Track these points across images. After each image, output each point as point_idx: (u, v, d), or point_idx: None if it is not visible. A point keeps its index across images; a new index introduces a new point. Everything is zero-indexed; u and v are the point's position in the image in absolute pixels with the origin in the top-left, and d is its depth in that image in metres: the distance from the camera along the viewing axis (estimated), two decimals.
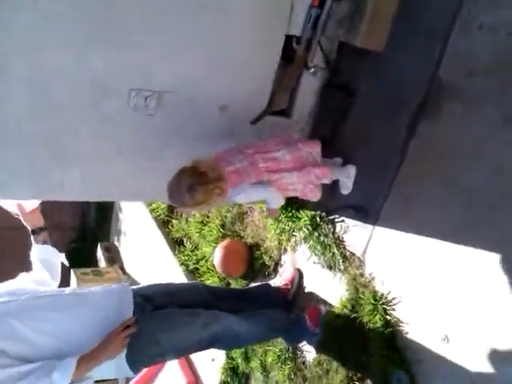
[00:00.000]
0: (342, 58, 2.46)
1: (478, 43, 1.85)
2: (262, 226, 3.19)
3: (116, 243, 5.20)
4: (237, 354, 3.20)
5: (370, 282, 2.35)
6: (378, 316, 2.25)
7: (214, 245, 3.52)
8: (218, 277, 3.48)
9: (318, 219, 2.62)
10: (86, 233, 6.29)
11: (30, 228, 2.32)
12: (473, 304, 1.92)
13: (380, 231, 2.31)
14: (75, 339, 1.91)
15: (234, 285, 3.41)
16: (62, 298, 2.05)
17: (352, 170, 2.38)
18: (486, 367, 1.85)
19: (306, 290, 2.77)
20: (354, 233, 2.46)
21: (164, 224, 4.28)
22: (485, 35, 1.82)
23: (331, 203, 2.54)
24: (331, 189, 2.53)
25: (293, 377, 2.76)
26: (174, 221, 4.16)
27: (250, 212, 3.33)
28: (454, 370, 1.95)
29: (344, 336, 2.43)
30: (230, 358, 3.27)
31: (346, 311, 2.42)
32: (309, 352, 2.72)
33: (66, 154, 2.24)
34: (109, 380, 2.96)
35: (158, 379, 3.64)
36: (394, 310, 2.22)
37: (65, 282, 2.50)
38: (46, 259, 2.27)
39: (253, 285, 2.89)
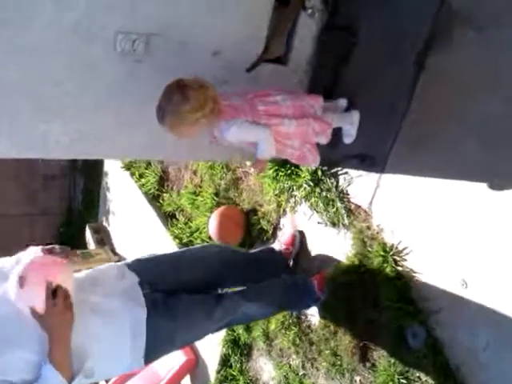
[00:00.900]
0: None
1: None
2: (258, 190, 3.04)
3: (105, 224, 5.02)
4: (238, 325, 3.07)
5: (378, 233, 2.22)
6: (388, 268, 2.13)
7: (208, 215, 3.37)
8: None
9: (319, 174, 2.48)
10: (73, 216, 6.11)
11: None
12: (490, 245, 1.80)
13: (387, 179, 2.17)
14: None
15: None
16: None
17: (355, 116, 2.25)
18: (509, 310, 1.73)
19: (309, 251, 2.64)
20: (358, 184, 2.32)
21: (154, 198, 4.12)
22: None
23: (333, 155, 2.40)
24: (332, 140, 2.40)
25: (298, 342, 2.63)
26: (164, 194, 4.01)
27: (245, 177, 3.18)
28: (474, 316, 1.84)
29: (352, 293, 2.31)
30: (230, 329, 3.13)
31: (353, 267, 2.29)
32: (313, 316, 2.59)
33: (48, 106, 2.06)
34: None
35: None
36: (405, 260, 2.10)
37: None
38: None
39: (255, 250, 2.73)
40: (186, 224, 3.68)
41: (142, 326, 1.83)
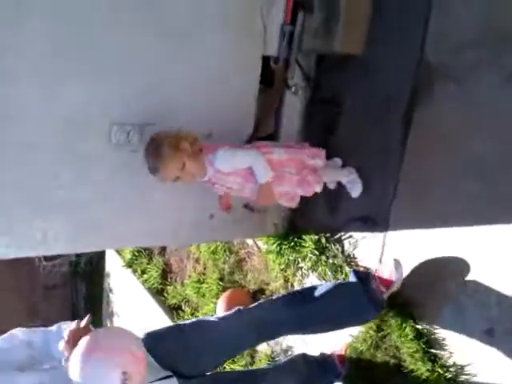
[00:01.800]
0: (322, 71, 2.44)
1: (460, 18, 1.83)
2: (263, 268, 2.99)
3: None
4: None
5: (391, 292, 2.14)
6: (408, 328, 2.03)
7: (214, 301, 3.28)
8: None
9: (323, 241, 2.45)
10: None
11: None
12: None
13: (393, 236, 2.15)
14: None
15: None
16: None
17: (351, 169, 2.28)
18: None
19: None
20: (364, 246, 2.29)
21: (159, 292, 4.02)
22: (465, 7, 1.81)
23: (334, 221, 2.40)
24: (331, 206, 2.41)
25: None
26: (168, 287, 3.92)
27: (249, 257, 3.15)
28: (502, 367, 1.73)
29: (374, 361, 2.18)
30: None
31: (371, 333, 2.19)
32: None
33: (45, 201, 2.07)
34: None
35: None
36: (423, 318, 2.01)
37: None
38: None
39: None
40: (192, 314, 3.57)
41: None
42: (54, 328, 1.70)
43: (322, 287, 2.09)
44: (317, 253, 2.47)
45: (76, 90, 1.96)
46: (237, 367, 2.85)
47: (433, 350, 1.99)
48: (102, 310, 5.08)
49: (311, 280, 2.59)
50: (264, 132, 2.50)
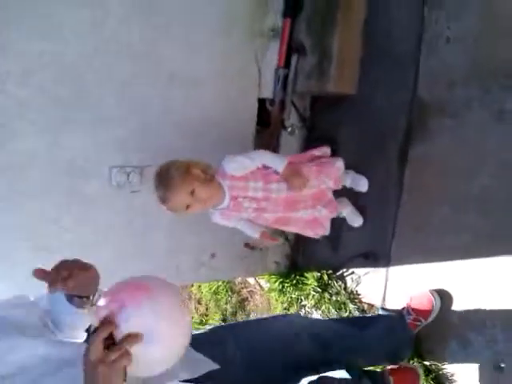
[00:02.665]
0: (317, 112, 2.50)
1: (449, 56, 1.89)
2: (266, 307, 2.96)
3: None
4: None
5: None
6: (415, 364, 2.00)
7: None
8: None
9: (325, 278, 2.45)
10: None
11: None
12: None
13: (395, 271, 2.15)
14: None
15: None
16: None
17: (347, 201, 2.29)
18: None
19: None
20: (367, 282, 2.29)
21: None
22: (454, 47, 1.87)
23: (336, 258, 2.40)
24: (332, 243, 2.41)
25: None
26: None
27: (251, 297, 3.12)
28: None
29: None
30: None
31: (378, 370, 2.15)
32: None
33: (47, 245, 2.08)
34: None
35: None
36: (431, 352, 1.99)
37: None
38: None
39: None
40: None
41: None
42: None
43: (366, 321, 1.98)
44: (319, 290, 2.46)
45: (75, 137, 2.00)
46: None
47: None
48: None
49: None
50: None
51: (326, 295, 2.44)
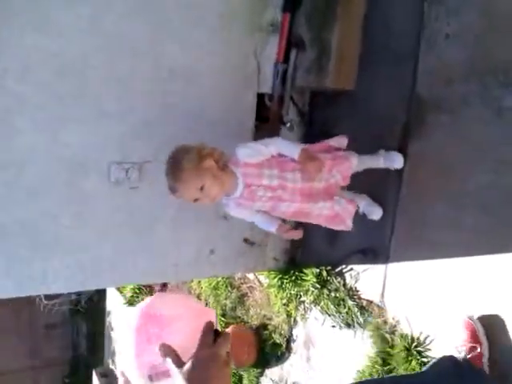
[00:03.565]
0: (315, 107, 2.49)
1: (448, 53, 1.88)
2: (265, 303, 2.97)
3: (112, 366, 4.77)
4: None
5: (395, 326, 2.13)
6: (414, 362, 2.00)
7: None
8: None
9: (324, 274, 2.44)
10: (78, 364, 5.82)
11: None
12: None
13: (394, 268, 2.14)
14: None
15: (245, 377, 3.09)
16: None
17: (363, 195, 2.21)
18: None
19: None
20: (366, 278, 2.28)
21: None
22: (453, 43, 1.86)
23: (335, 254, 2.40)
24: (331, 239, 2.41)
25: None
26: None
27: (251, 292, 3.13)
28: None
29: None
30: None
31: (377, 367, 2.16)
32: None
33: (46, 241, 2.08)
34: None
35: None
36: (429, 349, 1.99)
37: None
38: None
39: None
40: None
41: None
42: None
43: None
44: (318, 286, 2.45)
45: (74, 133, 1.99)
46: None
47: None
48: (104, 349, 5.00)
49: (314, 314, 2.57)
50: None
51: (325, 291, 2.44)
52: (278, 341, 2.84)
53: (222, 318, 3.25)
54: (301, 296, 2.61)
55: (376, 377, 2.14)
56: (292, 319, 2.74)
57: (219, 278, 3.29)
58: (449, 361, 1.70)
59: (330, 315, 2.46)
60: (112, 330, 4.80)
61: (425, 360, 1.98)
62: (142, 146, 2.15)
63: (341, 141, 2.04)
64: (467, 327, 1.77)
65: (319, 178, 1.88)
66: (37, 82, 1.88)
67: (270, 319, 2.93)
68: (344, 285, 2.37)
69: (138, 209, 2.23)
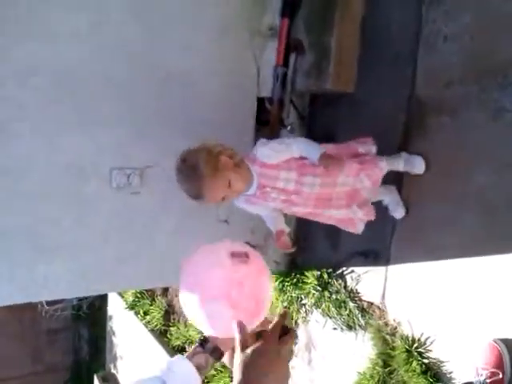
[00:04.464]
0: (316, 110, 2.50)
1: (446, 55, 1.89)
2: None
3: (113, 371, 4.77)
4: None
5: (396, 328, 2.13)
6: (415, 363, 2.01)
7: None
8: (229, 376, 3.15)
9: (325, 277, 2.45)
10: (80, 369, 5.82)
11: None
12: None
13: (395, 270, 2.15)
14: None
15: None
16: None
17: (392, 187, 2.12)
18: None
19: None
20: (367, 280, 2.29)
21: (162, 334, 3.98)
22: (451, 45, 1.87)
23: (335, 256, 2.40)
24: (332, 242, 2.42)
25: None
26: (171, 328, 3.88)
27: None
28: None
29: None
30: None
31: (378, 369, 2.16)
32: None
33: (47, 246, 2.09)
34: None
35: None
36: (430, 350, 1.99)
37: None
38: None
39: None
40: None
41: None
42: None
43: None
44: (319, 289, 2.46)
45: (75, 139, 2.01)
46: None
47: None
48: (106, 353, 5.01)
49: (315, 317, 2.57)
50: None
51: (326, 294, 2.44)
52: None
53: None
54: (302, 298, 2.62)
55: (376, 378, 2.14)
56: (293, 322, 2.74)
57: None
58: None
59: (331, 317, 2.46)
60: (113, 334, 4.80)
61: (426, 361, 1.99)
62: (142, 151, 2.16)
63: (369, 147, 1.96)
64: (493, 351, 1.71)
65: (342, 182, 1.83)
66: (36, 89, 1.90)
67: (270, 322, 2.93)
68: (345, 287, 2.38)
69: (139, 214, 2.24)
